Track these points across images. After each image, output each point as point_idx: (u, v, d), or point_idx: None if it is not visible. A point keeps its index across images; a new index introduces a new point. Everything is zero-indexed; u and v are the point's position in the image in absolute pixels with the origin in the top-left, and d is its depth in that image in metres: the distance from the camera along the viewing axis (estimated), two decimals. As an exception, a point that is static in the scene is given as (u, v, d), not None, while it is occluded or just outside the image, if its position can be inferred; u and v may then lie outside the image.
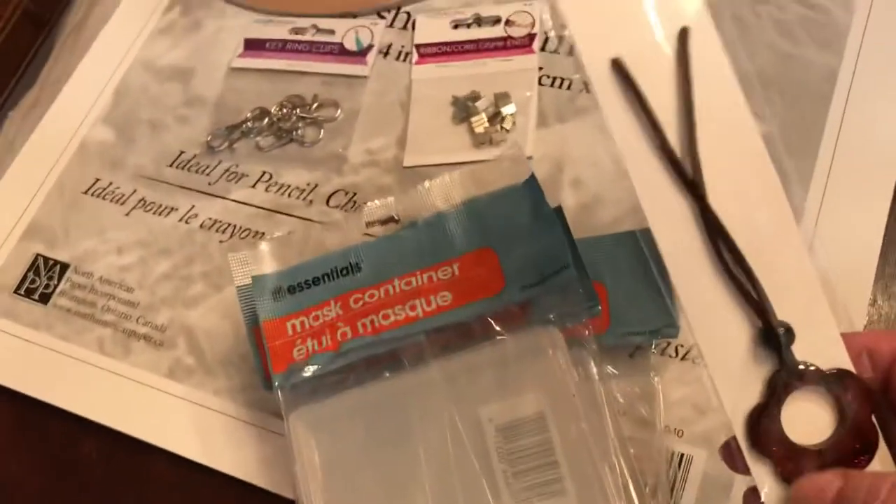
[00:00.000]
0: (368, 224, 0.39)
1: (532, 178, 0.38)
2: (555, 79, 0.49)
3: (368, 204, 0.40)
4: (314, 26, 0.55)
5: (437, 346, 0.36)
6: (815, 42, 0.46)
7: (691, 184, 0.27)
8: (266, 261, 0.40)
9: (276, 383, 0.37)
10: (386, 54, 0.53)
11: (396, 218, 0.40)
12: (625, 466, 0.36)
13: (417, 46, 0.52)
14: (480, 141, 0.48)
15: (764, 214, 0.27)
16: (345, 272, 0.38)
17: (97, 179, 0.53)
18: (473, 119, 0.48)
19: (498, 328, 0.36)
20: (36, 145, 0.55)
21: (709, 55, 0.28)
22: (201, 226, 0.50)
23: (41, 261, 0.51)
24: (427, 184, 0.40)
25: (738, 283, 0.27)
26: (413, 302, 0.37)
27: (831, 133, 0.44)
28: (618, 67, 0.27)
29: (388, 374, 0.38)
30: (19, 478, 0.46)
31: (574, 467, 0.34)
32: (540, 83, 0.49)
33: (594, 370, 0.36)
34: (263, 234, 0.49)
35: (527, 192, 0.38)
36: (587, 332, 0.37)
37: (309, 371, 0.37)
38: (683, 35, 0.27)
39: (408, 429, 0.36)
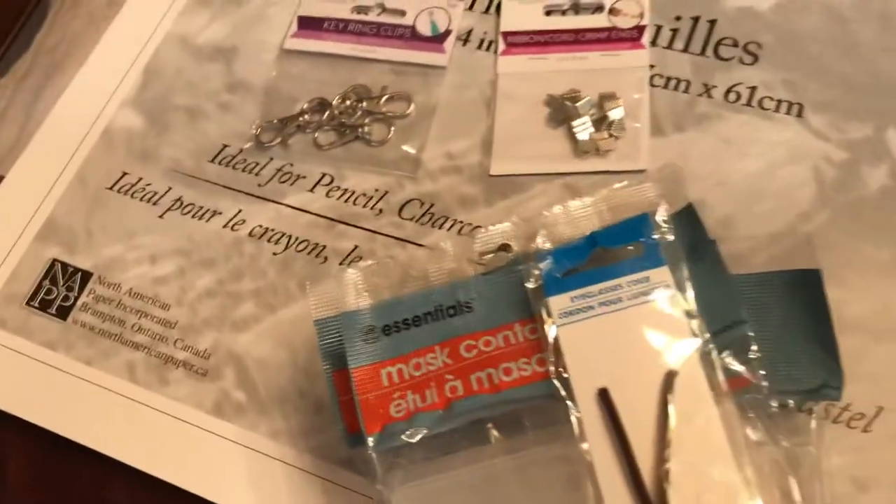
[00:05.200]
0: (482, 255, 0.32)
1: (690, 208, 0.32)
2: (669, 79, 0.43)
3: (482, 231, 0.33)
4: (380, 5, 0.47)
5: (572, 414, 0.29)
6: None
7: None
8: (354, 292, 0.33)
9: (371, 445, 0.31)
10: (466, 42, 0.46)
11: (512, 246, 0.33)
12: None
13: (504, 34, 0.45)
14: (584, 149, 0.41)
15: None
16: (452, 312, 0.32)
17: (125, 173, 0.46)
18: (575, 123, 0.41)
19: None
20: (52, 130, 0.48)
21: (694, 397, 0.29)
22: (250, 234, 0.43)
23: (59, 267, 0.44)
24: (557, 209, 0.33)
25: None
26: (542, 355, 0.30)
27: None
28: (603, 396, 0.29)
29: (498, 436, 0.31)
30: (34, 526, 0.39)
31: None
32: (652, 84, 0.42)
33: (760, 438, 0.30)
34: (325, 247, 0.42)
35: (684, 224, 0.32)
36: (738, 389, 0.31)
37: (412, 435, 0.30)
38: (670, 377, 0.29)
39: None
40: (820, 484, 0.33)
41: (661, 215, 0.31)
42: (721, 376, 0.29)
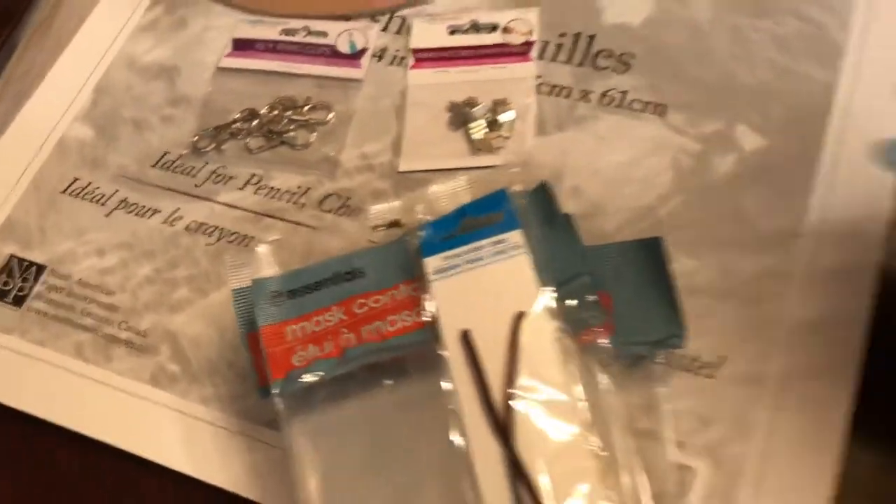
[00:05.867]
0: (374, 228, 0.38)
1: (544, 185, 0.38)
2: (553, 87, 0.49)
3: (373, 208, 0.39)
4: (306, 28, 0.54)
5: (444, 355, 0.35)
6: (812, 57, 0.47)
7: (502, 433, 0.33)
8: (265, 263, 0.38)
9: (275, 391, 0.36)
10: (380, 58, 0.52)
11: (401, 222, 0.38)
12: (630, 477, 0.35)
13: (413, 51, 0.51)
14: (478, 147, 0.47)
15: (568, 461, 0.32)
16: (348, 277, 0.37)
17: (76, 179, 0.51)
18: (471, 125, 0.47)
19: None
20: (11, 141, 0.53)
21: (538, 335, 0.35)
22: (186, 228, 0.48)
23: (15, 262, 0.49)
24: (435, 188, 0.39)
25: None
26: (420, 308, 0.36)
27: (830, 146, 0.44)
28: (465, 338, 0.34)
29: (390, 382, 0.36)
30: (-10, 490, 0.44)
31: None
32: (538, 91, 0.49)
33: (602, 380, 0.36)
34: (252, 238, 0.47)
35: (539, 198, 0.38)
36: (596, 340, 0.37)
37: (310, 378, 0.35)
38: (518, 319, 0.34)
39: (413, 440, 0.35)
40: (668, 419, 0.38)
41: (516, 190, 0.37)
42: (562, 323, 0.34)
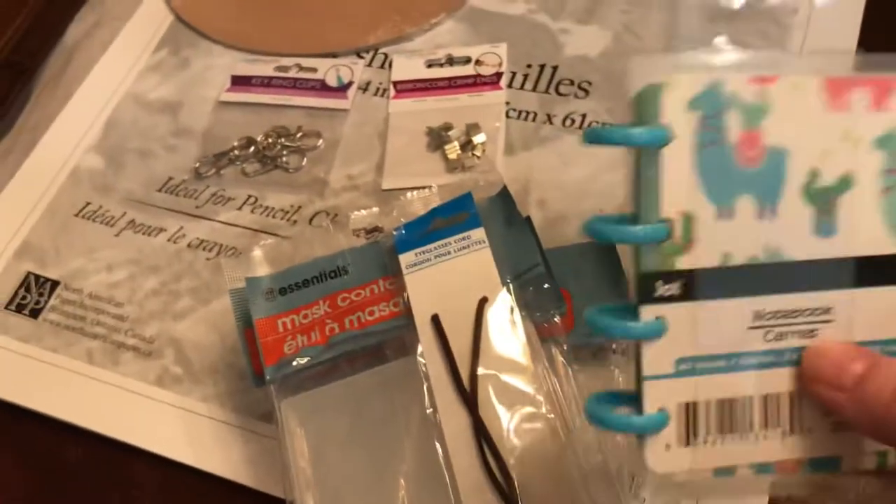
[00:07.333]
0: (355, 232, 0.43)
1: (504, 190, 0.42)
2: (520, 112, 0.54)
3: (354, 214, 0.44)
4: (297, 65, 0.59)
5: (417, 337, 0.39)
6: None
7: (469, 402, 0.37)
8: (259, 265, 0.43)
9: (268, 376, 0.40)
10: (365, 90, 0.57)
11: (380, 227, 0.43)
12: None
13: (394, 83, 0.57)
14: (453, 166, 0.52)
15: (526, 426, 0.36)
16: (333, 275, 0.42)
17: (88, 203, 0.56)
18: (447, 147, 0.52)
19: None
20: (29, 171, 0.58)
21: (500, 316, 0.39)
22: (189, 245, 0.53)
23: (32, 278, 0.53)
24: (409, 195, 0.43)
25: (494, 477, 0.35)
26: (397, 299, 0.40)
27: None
28: (435, 321, 0.38)
29: (371, 367, 0.41)
30: (5, 482, 0.47)
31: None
32: (507, 116, 0.54)
33: (563, 363, 0.40)
34: (249, 251, 0.52)
35: (500, 202, 0.42)
36: (556, 331, 0.41)
37: (298, 362, 0.40)
38: (482, 303, 0.38)
39: (392, 413, 0.39)
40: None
41: (478, 196, 0.42)
42: (521, 307, 0.39)
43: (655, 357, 0.28)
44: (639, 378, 0.29)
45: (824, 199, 0.28)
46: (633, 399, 0.29)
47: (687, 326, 0.28)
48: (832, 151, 0.27)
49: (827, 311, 0.28)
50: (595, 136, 0.28)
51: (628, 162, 0.28)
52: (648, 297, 0.28)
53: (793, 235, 0.27)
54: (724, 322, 0.28)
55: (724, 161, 0.27)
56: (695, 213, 0.27)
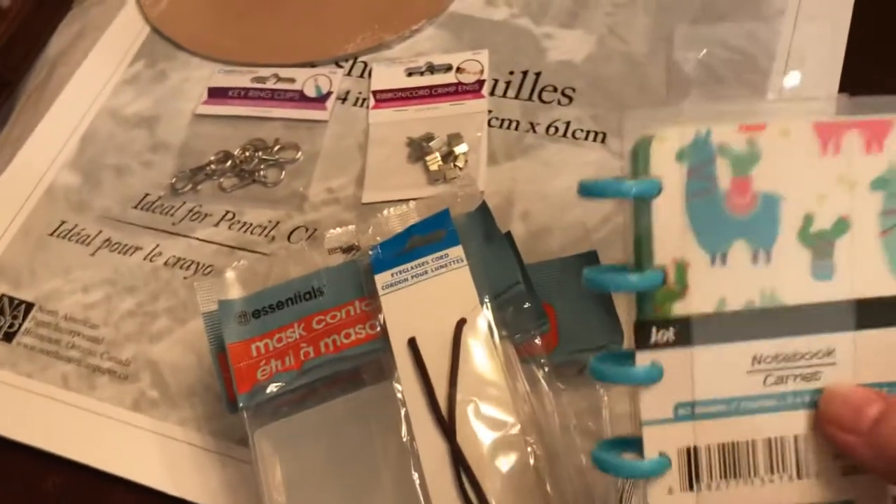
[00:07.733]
0: (330, 251, 0.41)
1: (483, 205, 0.41)
2: (503, 120, 0.52)
3: (329, 232, 0.42)
4: (275, 75, 0.58)
5: (394, 361, 0.38)
6: (742, 84, 0.50)
7: (447, 430, 0.36)
8: (232, 287, 0.42)
9: (241, 404, 0.39)
10: (344, 100, 0.56)
11: (357, 245, 0.42)
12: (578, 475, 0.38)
13: (374, 92, 0.55)
14: (435, 178, 0.51)
15: (505, 452, 0.36)
16: (308, 296, 0.40)
17: (63, 222, 0.55)
18: (428, 158, 0.51)
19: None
20: (3, 190, 0.56)
21: (478, 339, 0.38)
22: (165, 263, 0.51)
23: (6, 301, 0.52)
24: (386, 212, 0.42)
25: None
26: (373, 321, 0.39)
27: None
28: (412, 344, 0.37)
29: (346, 392, 0.39)
30: (-20, 515, 0.46)
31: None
32: (489, 125, 0.52)
33: (545, 385, 0.39)
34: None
35: (479, 218, 0.41)
36: (537, 350, 0.40)
37: (272, 389, 0.38)
38: (460, 325, 0.37)
39: (368, 441, 0.37)
40: (608, 422, 0.41)
41: (457, 211, 0.40)
42: (501, 328, 0.37)
43: (653, 402, 0.28)
44: (639, 423, 0.29)
45: (821, 243, 0.28)
46: (637, 444, 0.29)
47: (684, 371, 0.28)
48: (827, 195, 0.28)
49: (829, 353, 0.28)
50: (588, 190, 0.29)
51: (625, 211, 0.29)
52: (644, 342, 0.28)
53: (790, 279, 0.28)
54: (722, 367, 0.28)
55: (716, 209, 0.27)
56: (688, 260, 0.28)
